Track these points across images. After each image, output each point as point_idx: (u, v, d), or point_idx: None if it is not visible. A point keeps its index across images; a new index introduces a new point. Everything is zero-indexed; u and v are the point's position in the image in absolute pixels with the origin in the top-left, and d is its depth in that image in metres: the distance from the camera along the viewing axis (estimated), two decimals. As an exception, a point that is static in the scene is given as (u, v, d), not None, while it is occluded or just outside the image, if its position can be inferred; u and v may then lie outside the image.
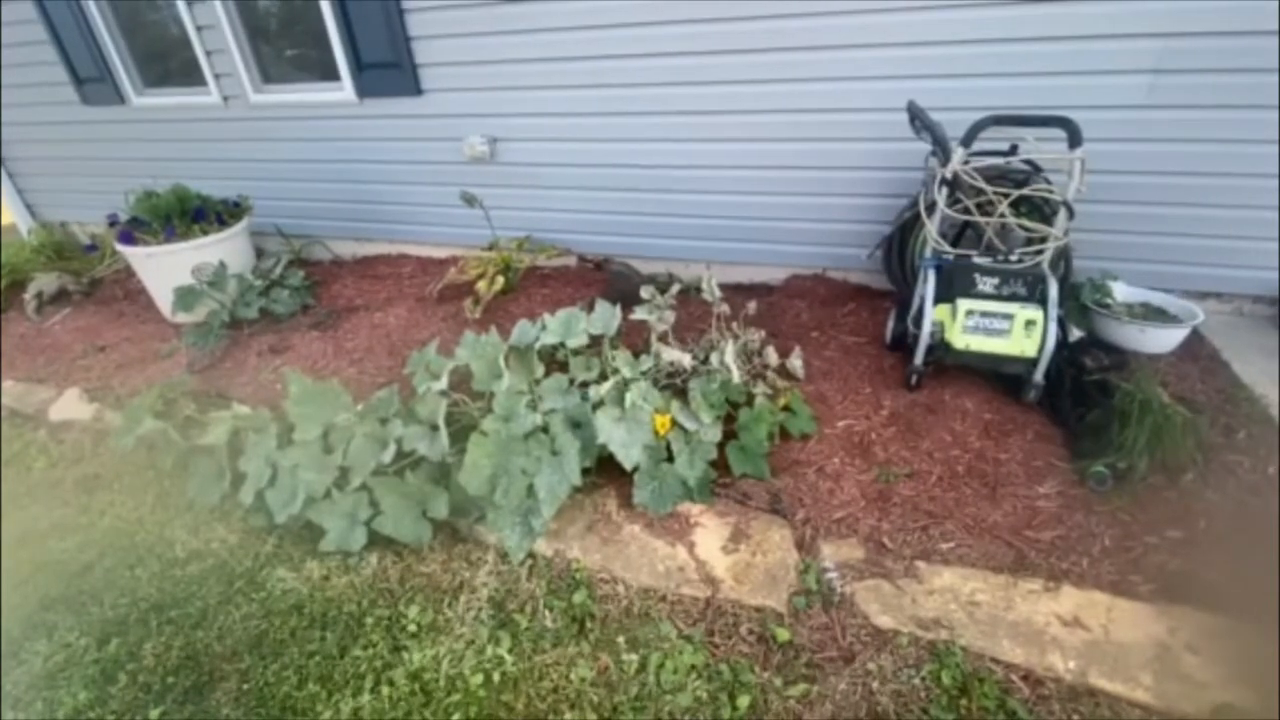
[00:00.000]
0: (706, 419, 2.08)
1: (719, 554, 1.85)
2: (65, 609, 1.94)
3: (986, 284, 2.19)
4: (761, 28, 2.75)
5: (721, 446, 2.10)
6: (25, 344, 3.57)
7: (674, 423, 2.05)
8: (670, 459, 2.03)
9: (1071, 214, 2.12)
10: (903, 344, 2.54)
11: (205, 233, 3.42)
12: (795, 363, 2.51)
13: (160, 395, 2.57)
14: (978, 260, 2.25)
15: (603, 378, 2.22)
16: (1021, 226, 2.21)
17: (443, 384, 2.19)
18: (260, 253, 3.98)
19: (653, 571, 1.83)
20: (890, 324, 2.67)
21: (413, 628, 1.76)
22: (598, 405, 2.04)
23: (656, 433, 2.00)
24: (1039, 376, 2.16)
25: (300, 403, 2.16)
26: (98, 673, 1.74)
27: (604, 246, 3.61)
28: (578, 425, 2.03)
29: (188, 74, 4.00)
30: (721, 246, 3.37)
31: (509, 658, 1.66)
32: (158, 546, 2.13)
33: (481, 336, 2.39)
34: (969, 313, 2.17)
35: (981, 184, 2.15)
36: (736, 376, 2.24)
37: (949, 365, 2.32)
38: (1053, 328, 2.09)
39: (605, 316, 2.48)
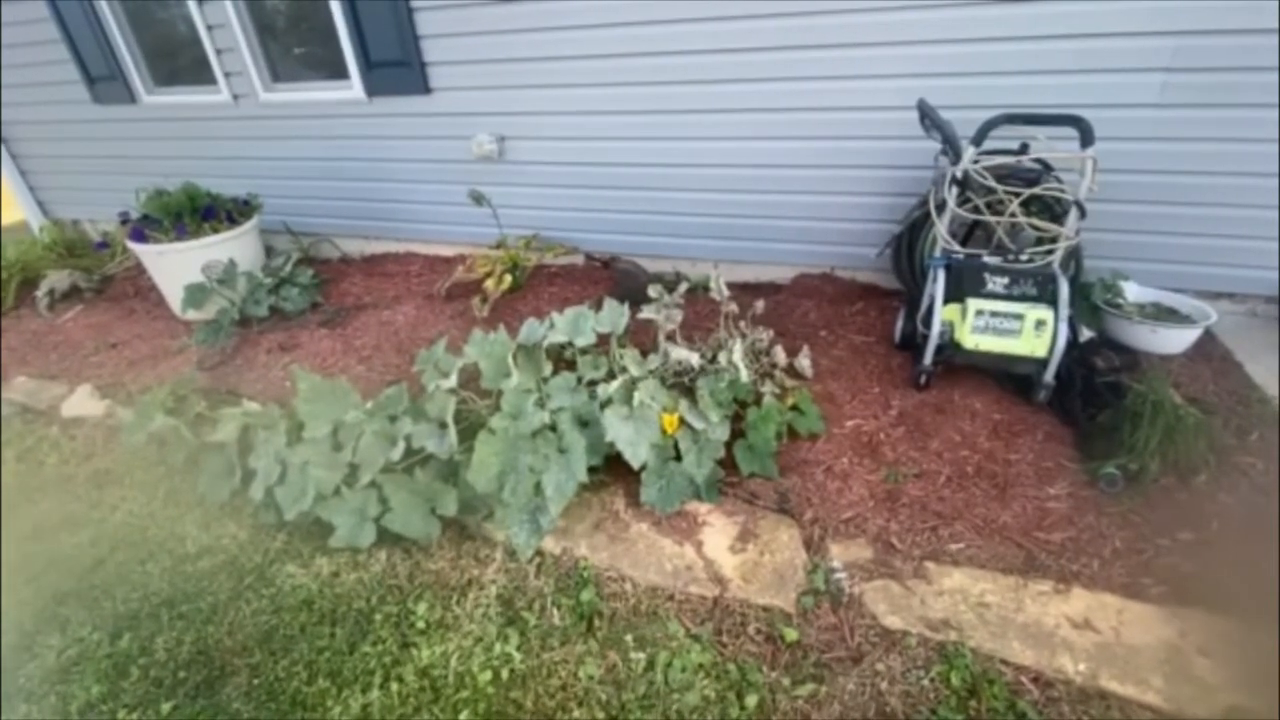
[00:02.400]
0: (714, 418, 2.08)
1: (727, 553, 1.85)
2: (77, 603, 1.96)
3: (996, 283, 2.18)
4: (769, 26, 2.74)
5: (729, 445, 2.09)
6: (37, 341, 3.60)
7: (682, 421, 2.05)
8: (678, 458, 2.03)
9: (1083, 213, 2.11)
10: (911, 343, 2.53)
11: (215, 231, 3.44)
12: (803, 362, 2.51)
13: (171, 392, 2.59)
14: (988, 260, 2.24)
15: (610, 376, 2.22)
16: (1032, 226, 2.20)
17: (451, 382, 2.19)
18: (269, 251, 4.01)
19: (660, 570, 1.83)
20: (899, 323, 2.66)
21: (421, 624, 1.76)
22: (605, 404, 2.05)
23: (664, 431, 2.00)
24: (1049, 377, 2.15)
25: (309, 400, 2.17)
26: (110, 667, 1.76)
27: (611, 245, 3.61)
28: (585, 423, 2.04)
29: (198, 73, 4.02)
30: (729, 245, 3.37)
31: (517, 655, 1.66)
32: (169, 542, 2.14)
33: (489, 334, 2.39)
34: (979, 312, 2.15)
35: (992, 183, 2.14)
36: (744, 375, 2.23)
37: (958, 365, 2.31)
38: (1063, 328, 2.07)
39: (613, 315, 2.47)
